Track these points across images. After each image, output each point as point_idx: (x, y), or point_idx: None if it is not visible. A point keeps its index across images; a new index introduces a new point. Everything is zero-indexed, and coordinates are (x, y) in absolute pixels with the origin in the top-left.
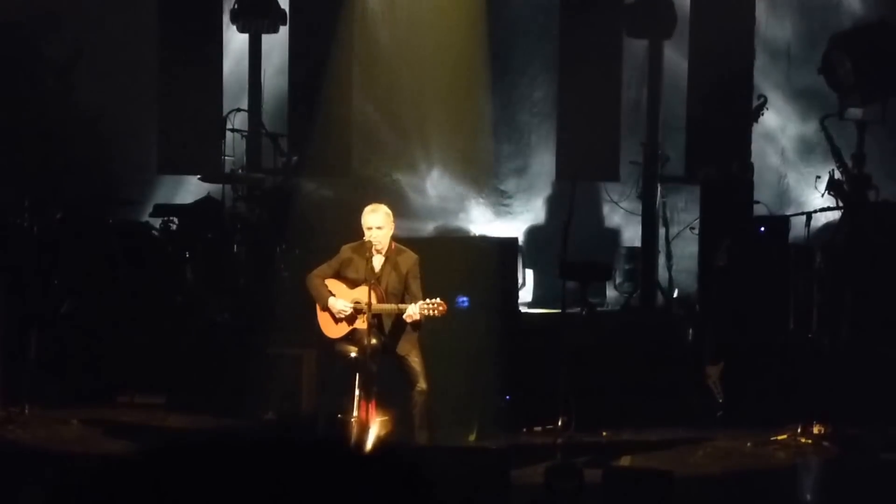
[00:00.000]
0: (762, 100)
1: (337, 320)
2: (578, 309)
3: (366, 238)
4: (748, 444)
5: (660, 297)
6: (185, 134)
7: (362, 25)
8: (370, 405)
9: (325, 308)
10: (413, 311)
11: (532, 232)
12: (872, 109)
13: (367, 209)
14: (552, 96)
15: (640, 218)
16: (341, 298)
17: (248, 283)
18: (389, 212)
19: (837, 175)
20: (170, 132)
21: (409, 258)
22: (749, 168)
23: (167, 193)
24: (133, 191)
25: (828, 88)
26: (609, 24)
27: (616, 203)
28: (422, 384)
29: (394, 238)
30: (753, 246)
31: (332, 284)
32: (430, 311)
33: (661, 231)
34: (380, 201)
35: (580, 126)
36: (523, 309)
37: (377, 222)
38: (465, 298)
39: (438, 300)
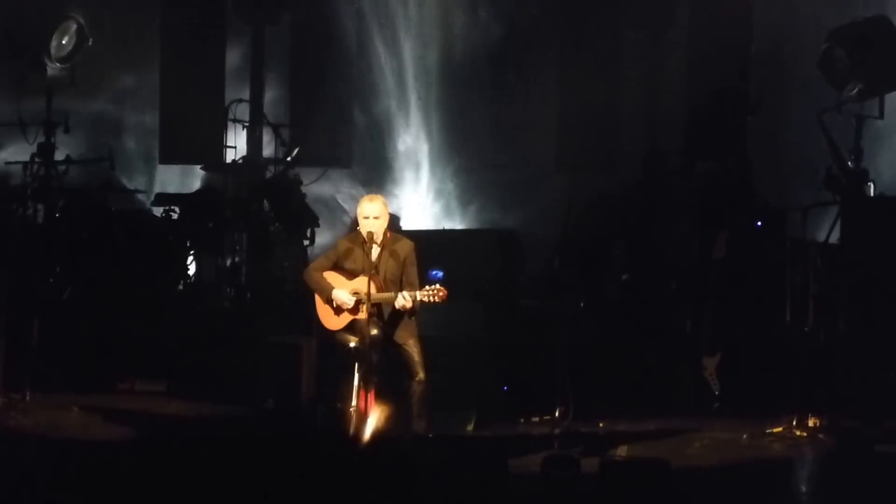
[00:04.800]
0: (760, 95)
1: (338, 312)
2: (576, 300)
3: (361, 228)
4: (744, 436)
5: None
6: (187, 124)
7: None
8: (369, 395)
9: (328, 301)
10: (405, 299)
11: (531, 223)
12: (870, 104)
13: (365, 199)
14: (552, 88)
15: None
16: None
17: (248, 272)
18: (385, 202)
19: (835, 169)
20: (172, 122)
21: (405, 245)
22: (746, 162)
23: (169, 183)
24: (135, 180)
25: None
26: (609, 17)
27: (613, 193)
28: (420, 374)
29: (391, 228)
30: (751, 239)
31: (330, 276)
32: (431, 297)
33: None
34: (379, 193)
35: (579, 118)
36: (521, 299)
37: (375, 212)
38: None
39: (438, 286)
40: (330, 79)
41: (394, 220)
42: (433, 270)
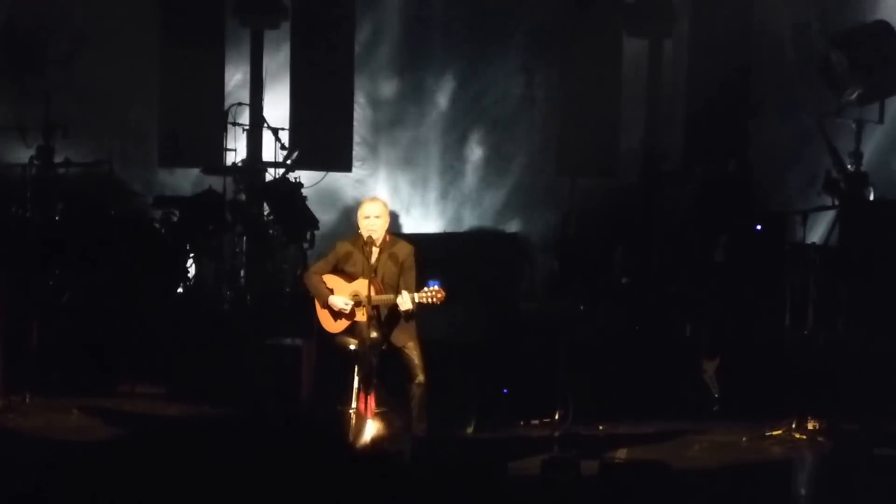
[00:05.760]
0: (759, 99)
1: (337, 316)
2: (576, 303)
3: (362, 228)
4: (743, 439)
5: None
6: (186, 127)
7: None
8: (369, 397)
9: (326, 306)
10: (404, 301)
11: (532, 226)
12: (870, 109)
13: (366, 200)
14: (552, 93)
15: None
16: (340, 293)
17: (247, 275)
18: (386, 203)
19: (834, 174)
20: (171, 125)
21: (404, 248)
22: (746, 165)
23: (168, 185)
24: (134, 182)
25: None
26: (609, 22)
27: (613, 197)
28: (420, 377)
29: (390, 232)
30: (750, 243)
31: (330, 279)
32: (429, 299)
33: None
34: (379, 197)
35: (580, 122)
36: (521, 302)
37: (375, 211)
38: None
39: (436, 287)
40: (329, 82)
41: (393, 218)
42: (430, 281)
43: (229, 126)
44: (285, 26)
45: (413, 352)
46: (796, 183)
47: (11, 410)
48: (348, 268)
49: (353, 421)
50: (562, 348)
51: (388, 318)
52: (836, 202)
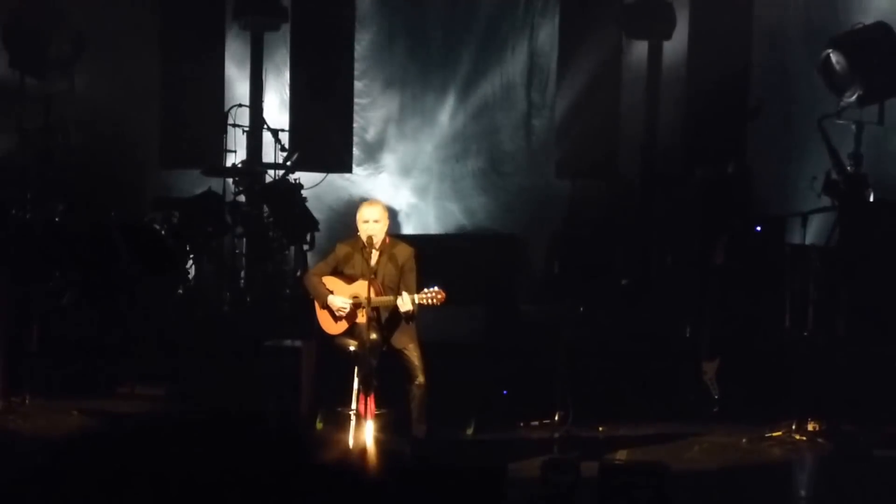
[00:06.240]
0: (759, 101)
1: (337, 318)
2: (576, 304)
3: (361, 232)
4: (743, 440)
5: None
6: (186, 128)
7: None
8: (369, 399)
9: (325, 306)
10: (404, 302)
11: (532, 228)
12: (870, 110)
13: (364, 203)
14: (552, 94)
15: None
16: (340, 294)
17: (248, 276)
18: (385, 206)
19: (834, 175)
20: (172, 126)
21: (404, 250)
22: (746, 167)
23: (169, 187)
24: (135, 183)
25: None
26: (609, 25)
27: (616, 199)
28: (420, 378)
29: (390, 234)
30: (750, 244)
31: (329, 281)
32: (429, 300)
33: None
34: (379, 198)
35: (580, 123)
36: (521, 303)
37: (375, 216)
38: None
39: (436, 288)
40: (330, 83)
41: (392, 218)
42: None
43: (229, 127)
44: (285, 28)
45: (413, 353)
46: (796, 184)
47: (12, 412)
48: (348, 270)
49: (353, 422)
50: (562, 349)
51: (388, 320)
52: (836, 203)
